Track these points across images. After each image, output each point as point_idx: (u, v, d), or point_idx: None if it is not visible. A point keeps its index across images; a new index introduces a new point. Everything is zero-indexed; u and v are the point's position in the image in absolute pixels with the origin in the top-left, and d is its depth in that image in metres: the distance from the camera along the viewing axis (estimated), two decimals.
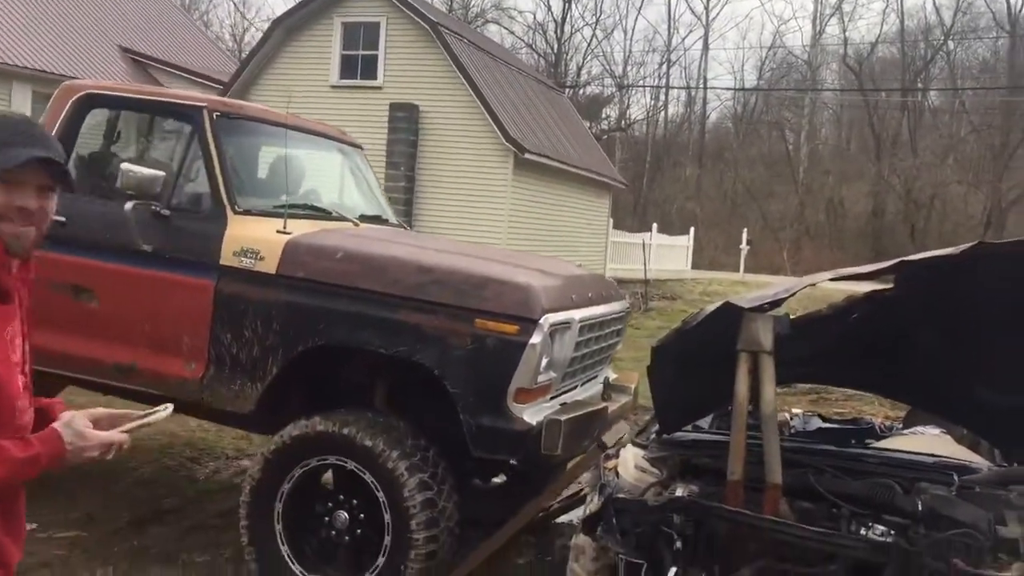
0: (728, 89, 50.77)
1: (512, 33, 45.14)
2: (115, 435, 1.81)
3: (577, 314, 4.01)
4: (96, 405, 2.23)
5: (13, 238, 1.86)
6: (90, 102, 4.57)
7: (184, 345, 4.12)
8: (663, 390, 3.29)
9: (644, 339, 10.20)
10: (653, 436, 3.48)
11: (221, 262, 4.08)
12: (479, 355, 3.66)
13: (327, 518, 3.88)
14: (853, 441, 3.62)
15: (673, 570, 2.83)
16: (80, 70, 19.78)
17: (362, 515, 3.82)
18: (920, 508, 2.84)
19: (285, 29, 18.76)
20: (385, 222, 5.24)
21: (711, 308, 2.99)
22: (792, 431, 3.79)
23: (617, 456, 3.40)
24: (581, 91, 44.25)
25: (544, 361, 3.73)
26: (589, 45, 46.97)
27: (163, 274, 4.16)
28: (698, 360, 3.23)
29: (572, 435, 3.77)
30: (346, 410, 3.89)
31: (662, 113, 49.60)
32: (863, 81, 44.04)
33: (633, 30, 63.68)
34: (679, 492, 3.01)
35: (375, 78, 18.28)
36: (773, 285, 3.13)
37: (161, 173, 4.10)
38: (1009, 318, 3.04)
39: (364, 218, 4.95)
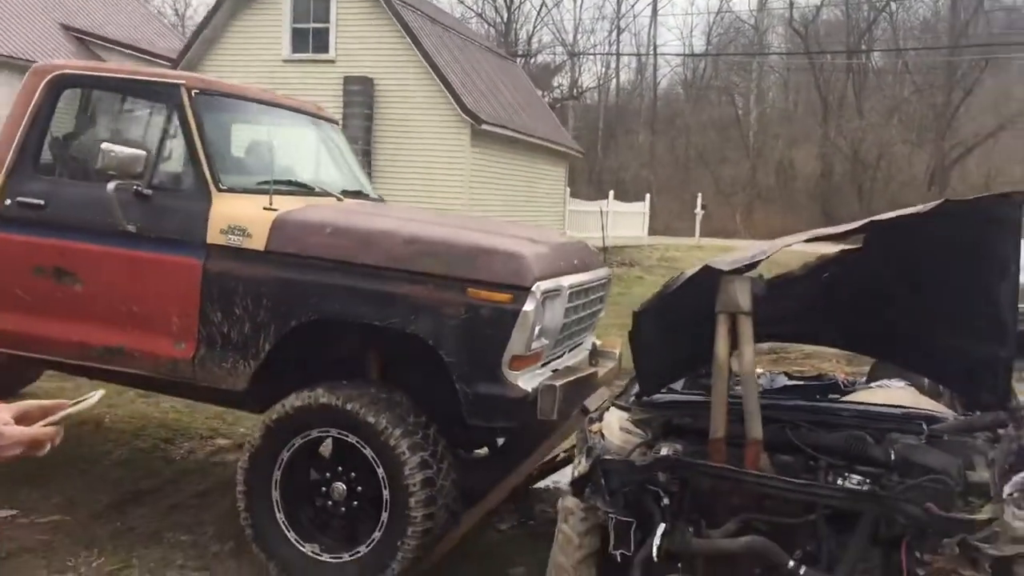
0: (678, 55, 51.10)
1: (462, 2, 44.82)
2: (38, 431, 1.61)
3: (566, 281, 4.07)
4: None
5: None
6: (63, 82, 4.49)
7: (173, 325, 4.11)
8: (644, 353, 3.37)
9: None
10: (633, 399, 3.58)
11: (208, 240, 4.06)
12: (473, 324, 3.70)
13: (324, 488, 3.92)
14: (818, 396, 3.75)
15: (662, 526, 2.92)
16: (19, 48, 19.26)
17: (359, 488, 3.87)
18: (893, 457, 2.95)
19: (234, 2, 18.42)
20: (365, 197, 5.24)
21: (690, 272, 3.06)
22: (760, 389, 3.91)
23: (601, 419, 3.49)
24: (532, 60, 44.13)
25: (537, 328, 3.78)
26: (539, 13, 46.83)
27: (148, 254, 4.13)
28: (677, 323, 3.32)
29: (566, 400, 3.85)
30: (349, 384, 3.92)
31: (613, 81, 49.73)
32: (809, 44, 44.51)
33: None
34: (664, 451, 3.10)
35: (327, 51, 18.09)
36: (748, 247, 3.22)
37: (142, 152, 4.06)
38: (969, 271, 3.17)
39: (345, 193, 4.94)
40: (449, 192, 17.34)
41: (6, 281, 4.38)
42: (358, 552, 3.83)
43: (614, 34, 49.19)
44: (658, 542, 2.91)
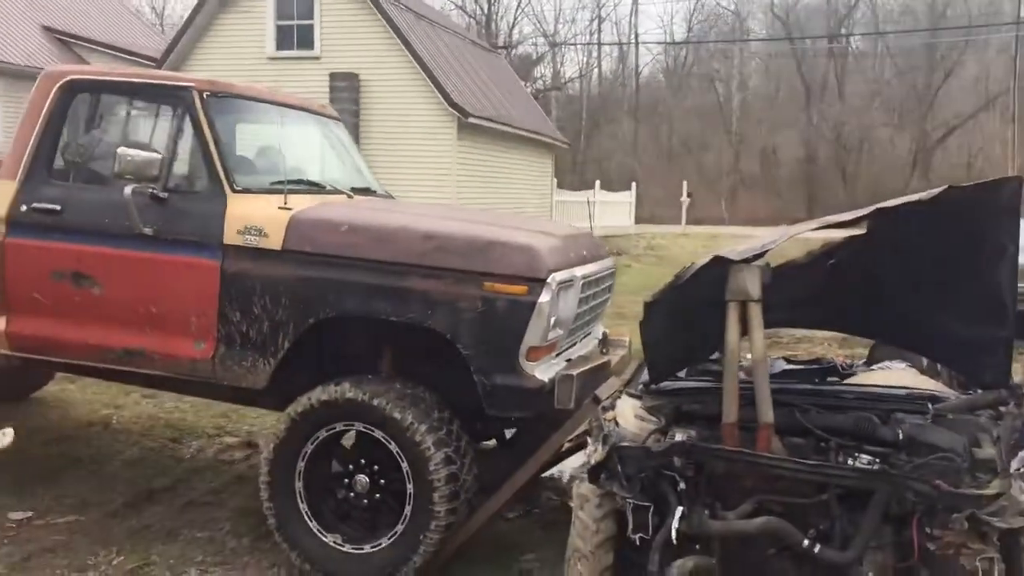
0: (659, 43, 51.19)
1: None
2: None
3: (579, 271, 4.15)
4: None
5: None
6: (74, 88, 4.53)
7: (192, 325, 4.16)
8: (654, 342, 3.45)
9: None
10: (641, 387, 3.65)
11: (225, 241, 4.11)
12: (490, 317, 3.77)
13: (347, 480, 3.99)
14: (817, 380, 3.83)
15: (679, 510, 3.00)
16: (1, 52, 19.10)
17: (382, 481, 3.94)
18: (900, 437, 3.04)
19: (216, 0, 18.35)
20: (373, 193, 5.29)
21: (701, 262, 3.14)
22: None
23: (614, 407, 3.56)
24: (514, 51, 44.10)
25: (552, 319, 3.85)
26: (519, 4, 46.79)
27: (166, 256, 4.18)
28: (685, 312, 3.40)
29: (582, 389, 3.92)
30: (374, 379, 3.98)
31: (595, 70, 49.76)
32: (790, 29, 44.69)
33: None
34: (678, 437, 3.19)
35: (312, 48, 18.07)
36: (757, 237, 3.30)
37: (158, 155, 4.11)
38: (970, 253, 3.26)
39: (354, 190, 5.00)
40: (437, 186, 17.38)
41: (25, 286, 4.42)
42: (380, 544, 3.89)
43: (595, 23, 49.34)
44: (676, 525, 2.99)
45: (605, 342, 4.86)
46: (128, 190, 4.11)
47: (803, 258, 3.48)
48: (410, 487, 3.81)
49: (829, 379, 3.93)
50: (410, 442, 3.77)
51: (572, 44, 48.71)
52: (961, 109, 40.46)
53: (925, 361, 4.08)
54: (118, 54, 21.90)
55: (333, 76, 17.57)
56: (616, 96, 49.28)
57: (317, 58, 18.03)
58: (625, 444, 3.20)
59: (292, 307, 4.01)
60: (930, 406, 3.23)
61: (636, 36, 49.43)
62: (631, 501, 3.12)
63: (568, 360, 4.26)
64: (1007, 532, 2.77)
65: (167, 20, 45.40)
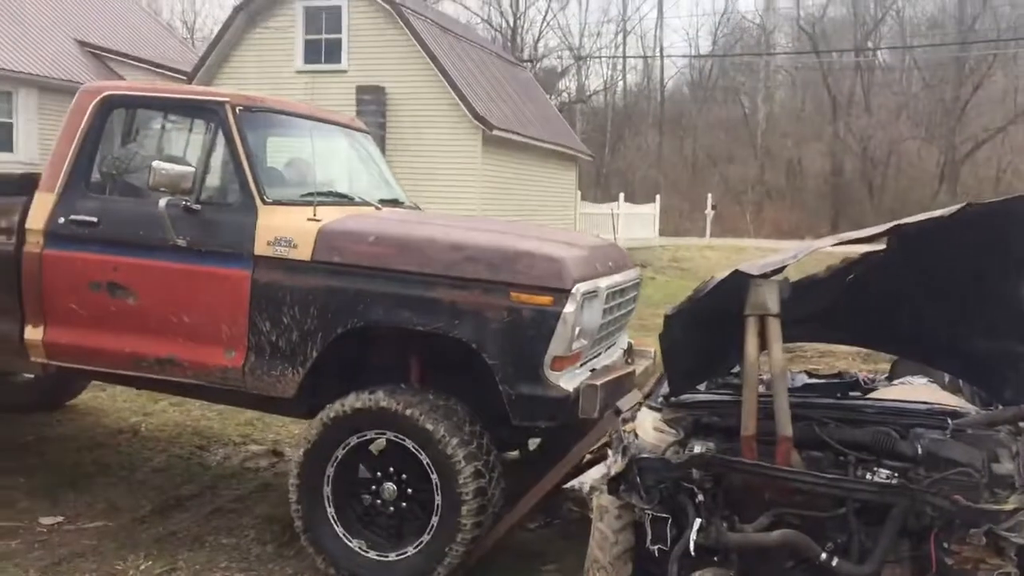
0: (684, 56, 51.14)
1: (467, 8, 45.00)
2: None
3: (603, 282, 4.20)
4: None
5: None
6: (111, 103, 4.65)
7: (223, 335, 4.24)
8: (674, 355, 3.49)
9: None
10: (661, 399, 3.69)
11: (256, 252, 4.19)
12: (515, 327, 3.82)
13: (374, 487, 4.04)
14: (839, 394, 3.84)
15: (698, 521, 3.04)
16: (37, 66, 19.46)
17: (410, 490, 3.99)
18: (919, 452, 3.06)
19: (247, 15, 18.65)
20: (401, 205, 5.37)
21: (720, 276, 3.18)
22: None
23: (634, 419, 3.60)
24: (539, 64, 44.26)
25: (577, 329, 3.90)
26: (545, 18, 46.99)
27: (199, 267, 4.27)
28: (705, 326, 3.43)
29: (607, 399, 3.96)
30: (408, 389, 4.04)
31: (620, 83, 49.80)
32: (816, 42, 44.50)
33: (588, 1, 63.69)
34: (697, 449, 3.21)
35: (339, 62, 18.29)
36: (779, 251, 3.33)
37: (191, 169, 4.21)
38: (989, 269, 3.27)
39: (382, 202, 5.07)
40: (462, 198, 17.47)
41: (62, 297, 4.53)
42: (406, 552, 3.95)
43: (620, 36, 49.33)
44: (694, 537, 3.02)
45: (630, 352, 4.89)
46: (162, 202, 4.21)
47: (823, 273, 3.51)
48: (438, 498, 3.86)
49: (851, 394, 3.94)
50: (441, 454, 3.82)
51: (597, 57, 48.84)
52: (989, 122, 40.05)
53: (947, 377, 4.09)
54: (150, 68, 22.22)
55: (360, 89, 17.75)
56: (641, 109, 49.28)
57: (344, 71, 18.24)
58: (644, 456, 3.24)
59: (321, 317, 4.08)
60: (949, 421, 3.24)
61: (661, 49, 49.57)
62: (650, 512, 3.16)
63: (593, 370, 4.29)
64: None
65: (198, 34, 46.04)
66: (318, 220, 4.22)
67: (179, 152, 4.63)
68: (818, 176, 43.79)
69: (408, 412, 3.86)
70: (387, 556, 3.98)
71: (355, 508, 4.09)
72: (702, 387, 3.89)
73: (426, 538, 3.90)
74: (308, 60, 18.53)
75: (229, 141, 4.37)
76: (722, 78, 49.35)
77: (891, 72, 45.72)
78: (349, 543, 4.02)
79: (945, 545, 2.85)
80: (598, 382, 4.00)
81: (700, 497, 3.11)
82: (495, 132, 18.01)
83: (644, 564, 3.29)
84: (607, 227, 22.12)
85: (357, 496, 4.09)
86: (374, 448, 3.97)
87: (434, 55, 17.71)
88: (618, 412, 3.76)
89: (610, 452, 3.52)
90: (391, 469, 4.02)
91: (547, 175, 22.15)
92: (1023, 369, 3.37)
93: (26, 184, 4.87)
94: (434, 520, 3.87)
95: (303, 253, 4.14)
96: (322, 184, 4.76)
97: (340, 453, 4.02)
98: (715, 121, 47.54)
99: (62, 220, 4.53)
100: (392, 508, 4.04)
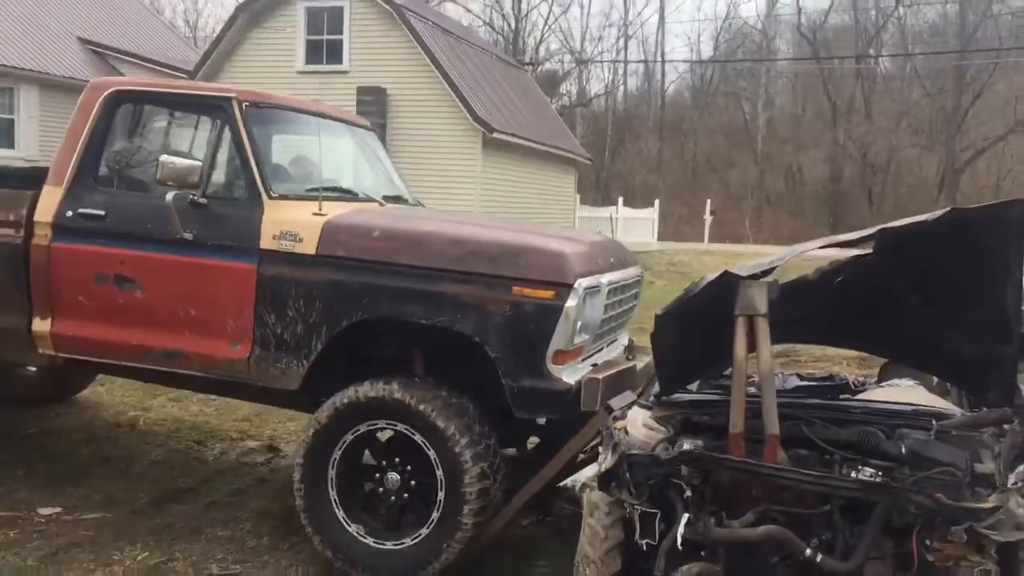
0: (685, 62, 51.18)
1: (469, 11, 45.09)
2: None
3: (605, 278, 4.26)
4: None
5: None
6: (119, 99, 4.70)
7: (229, 327, 4.29)
8: (664, 354, 3.54)
9: None
10: (652, 398, 3.75)
11: (261, 246, 4.25)
12: (518, 321, 3.88)
13: (378, 475, 4.09)
14: (828, 396, 3.90)
15: (685, 516, 3.09)
16: (37, 62, 19.52)
17: (413, 482, 4.04)
18: (904, 451, 3.11)
19: (249, 15, 18.73)
20: (404, 201, 5.43)
21: (710, 277, 3.23)
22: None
23: (625, 417, 3.66)
24: (540, 67, 44.33)
25: (579, 324, 3.95)
26: (547, 21, 47.07)
27: (205, 260, 4.32)
28: (696, 326, 3.49)
29: (607, 393, 4.01)
30: (422, 383, 4.09)
31: (621, 87, 49.88)
32: (817, 49, 44.57)
33: (590, 5, 63.80)
34: (686, 446, 3.27)
35: (341, 62, 18.36)
36: (767, 255, 3.38)
37: (198, 163, 4.28)
38: (975, 273, 3.33)
39: (386, 198, 5.14)
40: (461, 199, 17.51)
41: (69, 289, 4.58)
42: (403, 543, 4.01)
43: (621, 41, 49.46)
44: (681, 531, 3.07)
45: (631, 348, 4.95)
46: (170, 196, 4.27)
47: (812, 275, 3.56)
48: (441, 494, 3.91)
49: (841, 396, 4.00)
50: (449, 452, 3.87)
51: (598, 61, 48.94)
52: (990, 131, 40.11)
53: (935, 379, 4.15)
54: (153, 66, 22.28)
55: (361, 90, 17.82)
56: (641, 113, 49.33)
57: (345, 72, 18.31)
58: (634, 452, 3.28)
59: (325, 310, 4.14)
60: (934, 423, 3.30)
61: (662, 54, 49.52)
62: (639, 508, 3.20)
63: (594, 365, 4.35)
64: (1005, 545, 2.83)
65: (200, 33, 46.13)
66: (323, 215, 4.27)
67: (186, 147, 4.70)
68: (818, 182, 43.86)
69: (421, 407, 3.91)
70: (384, 544, 4.04)
71: (357, 494, 4.14)
72: (693, 387, 3.96)
73: (425, 531, 3.96)
74: (309, 61, 18.61)
75: (236, 136, 4.43)
76: (723, 83, 49.42)
77: (892, 79, 45.81)
78: (348, 527, 4.08)
79: (927, 542, 2.89)
80: (599, 376, 4.06)
81: (688, 493, 3.15)
82: (495, 135, 18.08)
83: (634, 559, 3.34)
84: (606, 231, 22.17)
85: (360, 483, 4.14)
86: (382, 436, 4.02)
87: (435, 57, 17.78)
88: (609, 410, 3.82)
89: (601, 449, 3.57)
90: (397, 460, 4.07)
91: (547, 178, 22.22)
92: (1006, 372, 3.42)
93: (34, 178, 4.93)
94: (435, 515, 3.93)
95: (308, 247, 4.19)
96: (327, 180, 4.81)
97: (349, 438, 4.07)
98: (715, 126, 47.60)
99: (70, 213, 4.59)
100: (394, 498, 4.09)
